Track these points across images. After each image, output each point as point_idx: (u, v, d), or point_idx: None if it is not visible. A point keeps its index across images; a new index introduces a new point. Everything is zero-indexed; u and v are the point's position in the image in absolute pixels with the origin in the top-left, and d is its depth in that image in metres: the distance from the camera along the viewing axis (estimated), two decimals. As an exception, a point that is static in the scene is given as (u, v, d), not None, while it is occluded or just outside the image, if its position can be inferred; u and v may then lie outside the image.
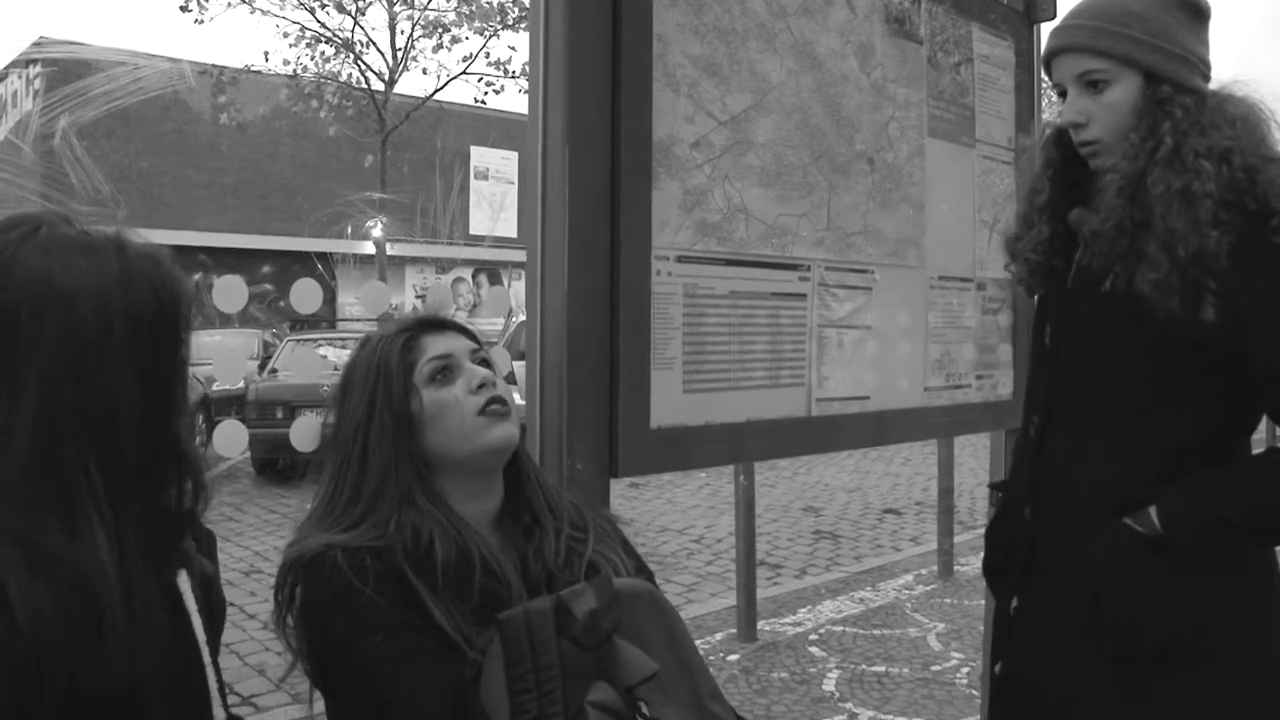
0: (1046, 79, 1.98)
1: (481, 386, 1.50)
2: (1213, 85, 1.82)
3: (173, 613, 1.17)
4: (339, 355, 11.90)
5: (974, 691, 4.52)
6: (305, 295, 2.46)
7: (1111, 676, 1.76)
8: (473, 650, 1.31)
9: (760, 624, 5.54)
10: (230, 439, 2.13)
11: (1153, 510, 1.72)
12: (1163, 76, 1.78)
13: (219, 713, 1.21)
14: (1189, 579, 1.72)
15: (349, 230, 19.48)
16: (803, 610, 5.97)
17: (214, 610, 1.26)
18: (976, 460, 11.08)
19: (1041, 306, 2.01)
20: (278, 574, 1.44)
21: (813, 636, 5.47)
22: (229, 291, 2.10)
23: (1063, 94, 1.89)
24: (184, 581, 1.20)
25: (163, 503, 1.13)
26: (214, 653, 1.24)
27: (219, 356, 9.98)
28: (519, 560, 1.49)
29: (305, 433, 2.15)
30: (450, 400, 1.49)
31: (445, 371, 1.51)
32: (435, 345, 1.52)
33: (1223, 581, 1.74)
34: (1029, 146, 2.47)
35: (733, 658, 5.10)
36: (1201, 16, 1.85)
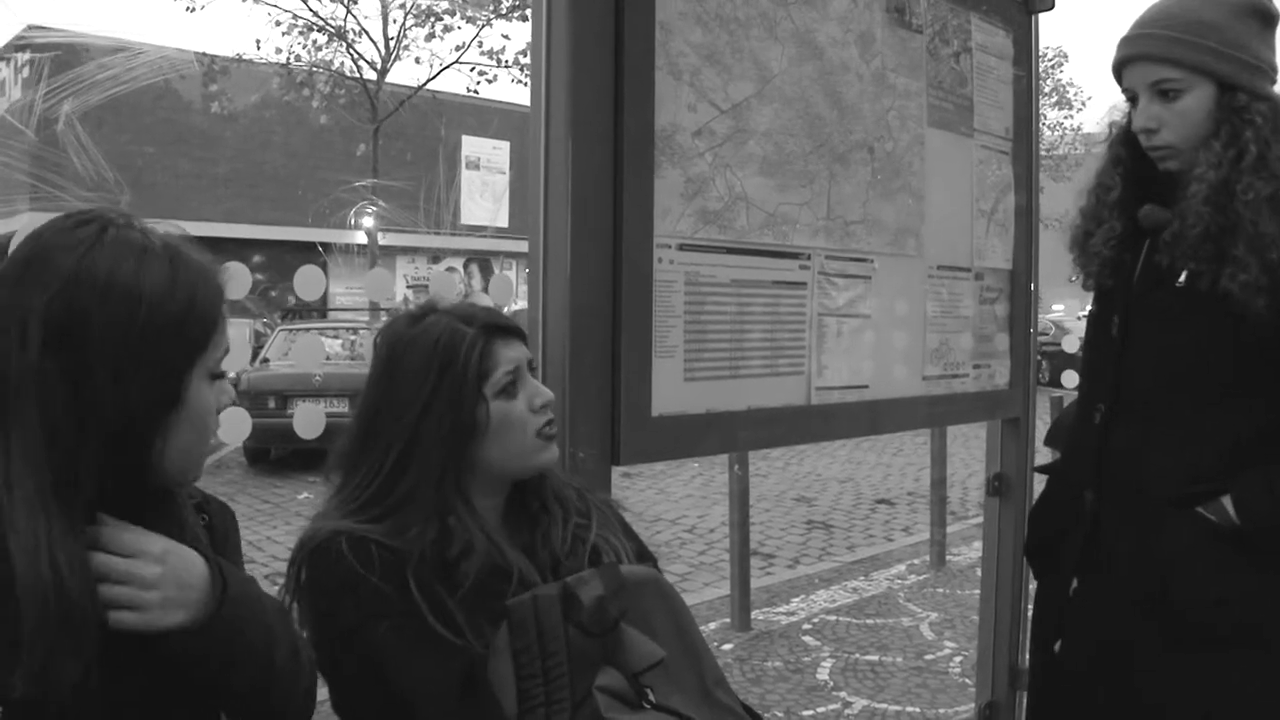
0: (1114, 74, 2.01)
1: (543, 406, 1.49)
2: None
3: None
4: (331, 345, 11.89)
5: (967, 680, 4.53)
6: (308, 282, 2.44)
7: (1173, 660, 1.81)
8: (480, 641, 1.31)
9: (754, 613, 5.56)
10: (232, 425, 2.12)
11: (1226, 501, 1.78)
12: (1236, 85, 1.84)
13: None
14: (1258, 570, 1.77)
15: (350, 217, 19.36)
16: (796, 600, 5.99)
17: None
18: (968, 451, 11.11)
19: (1106, 299, 2.07)
20: (291, 555, 1.43)
21: (806, 626, 5.49)
22: (233, 278, 2.09)
23: (1132, 99, 1.94)
24: None
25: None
26: None
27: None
28: (524, 547, 1.49)
29: (308, 420, 2.14)
30: (516, 416, 1.47)
31: (513, 385, 1.48)
32: (507, 357, 1.48)
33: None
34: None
35: (727, 647, 5.12)
36: (1272, 24, 1.91)
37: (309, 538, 1.41)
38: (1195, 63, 1.85)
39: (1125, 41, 1.95)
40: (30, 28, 20.08)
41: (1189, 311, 1.87)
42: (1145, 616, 1.83)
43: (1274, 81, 1.89)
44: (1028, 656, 2.24)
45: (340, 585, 1.34)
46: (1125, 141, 2.02)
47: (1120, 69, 1.97)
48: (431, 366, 1.43)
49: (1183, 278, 1.87)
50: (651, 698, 1.28)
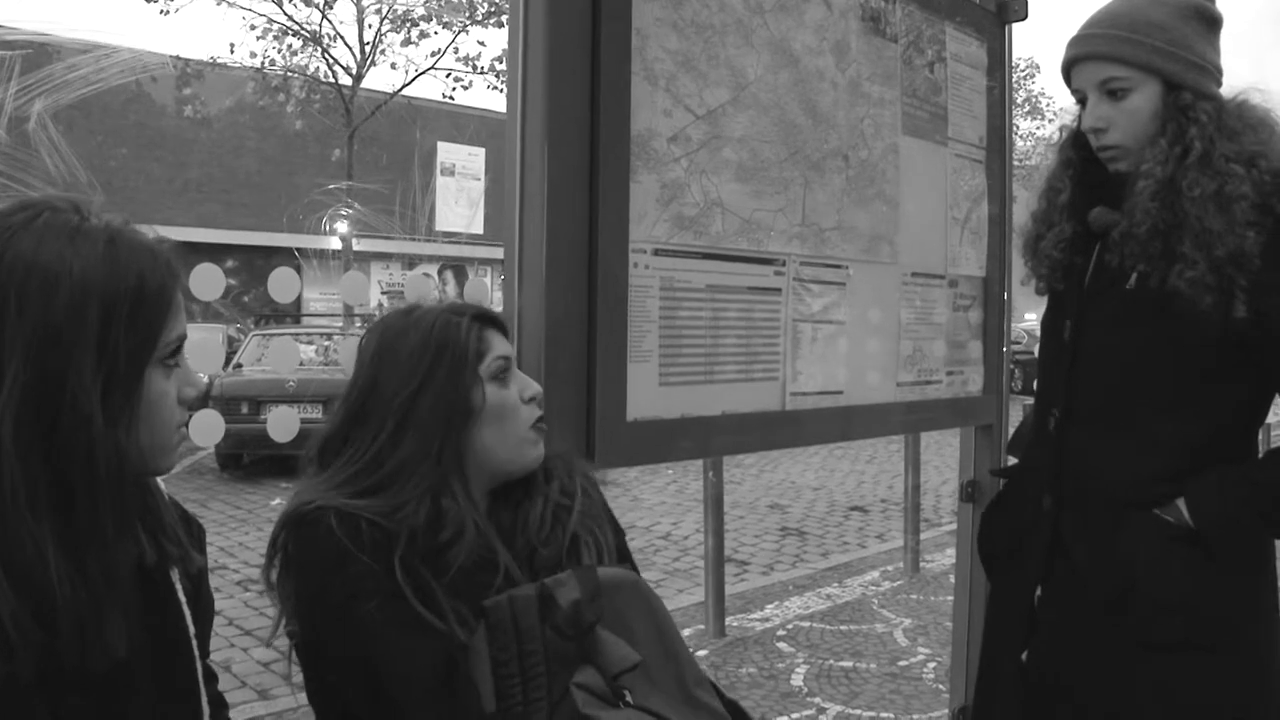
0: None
1: (532, 399, 1.51)
2: (1224, 91, 1.91)
3: (162, 602, 1.16)
4: (305, 350, 11.84)
5: (941, 686, 4.56)
6: (283, 284, 2.42)
7: (1138, 663, 1.82)
8: (464, 629, 1.30)
9: (728, 620, 5.57)
10: (206, 428, 2.11)
11: (1181, 504, 1.80)
12: (1182, 84, 1.87)
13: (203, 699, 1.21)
14: (1216, 571, 1.79)
15: (325, 222, 19.26)
16: (770, 606, 6.00)
17: (202, 605, 1.24)
18: (942, 458, 11.17)
19: (1058, 303, 2.09)
20: (273, 528, 1.41)
21: (780, 632, 5.50)
22: (206, 279, 2.08)
23: (1081, 100, 1.96)
24: (175, 575, 1.19)
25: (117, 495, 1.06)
26: (203, 643, 1.23)
27: (194, 350, 9.86)
28: (504, 533, 1.48)
29: (282, 424, 2.13)
30: (511, 404, 1.49)
31: (505, 373, 1.50)
32: (499, 345, 1.52)
33: (1243, 575, 1.82)
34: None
35: (701, 653, 5.12)
36: (1215, 26, 1.94)
37: (294, 511, 1.38)
38: (1142, 61, 1.87)
39: (1074, 42, 1.98)
40: (-1, 29, 19.92)
41: (1140, 313, 1.88)
42: (1107, 619, 1.84)
43: (1219, 83, 1.91)
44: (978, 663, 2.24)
45: (328, 562, 1.32)
46: (1075, 144, 2.04)
47: (1069, 69, 1.99)
48: (428, 347, 1.45)
49: (1133, 280, 1.88)
50: (629, 698, 1.28)
